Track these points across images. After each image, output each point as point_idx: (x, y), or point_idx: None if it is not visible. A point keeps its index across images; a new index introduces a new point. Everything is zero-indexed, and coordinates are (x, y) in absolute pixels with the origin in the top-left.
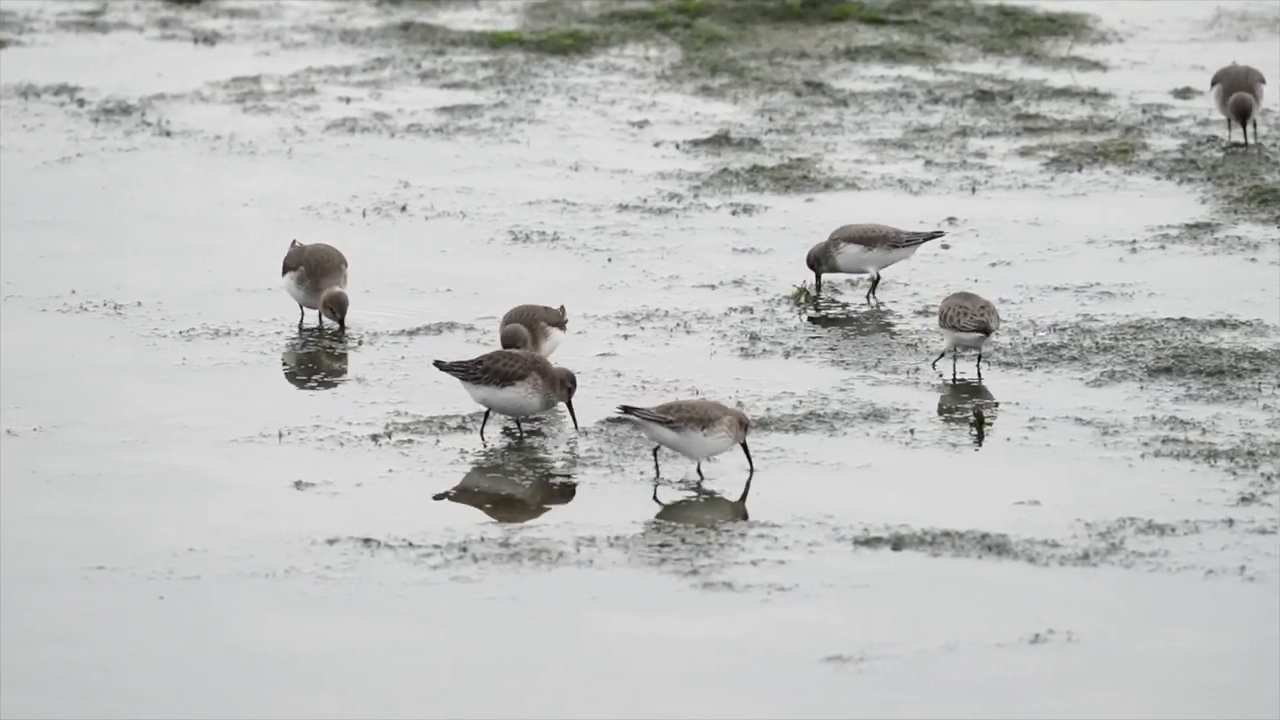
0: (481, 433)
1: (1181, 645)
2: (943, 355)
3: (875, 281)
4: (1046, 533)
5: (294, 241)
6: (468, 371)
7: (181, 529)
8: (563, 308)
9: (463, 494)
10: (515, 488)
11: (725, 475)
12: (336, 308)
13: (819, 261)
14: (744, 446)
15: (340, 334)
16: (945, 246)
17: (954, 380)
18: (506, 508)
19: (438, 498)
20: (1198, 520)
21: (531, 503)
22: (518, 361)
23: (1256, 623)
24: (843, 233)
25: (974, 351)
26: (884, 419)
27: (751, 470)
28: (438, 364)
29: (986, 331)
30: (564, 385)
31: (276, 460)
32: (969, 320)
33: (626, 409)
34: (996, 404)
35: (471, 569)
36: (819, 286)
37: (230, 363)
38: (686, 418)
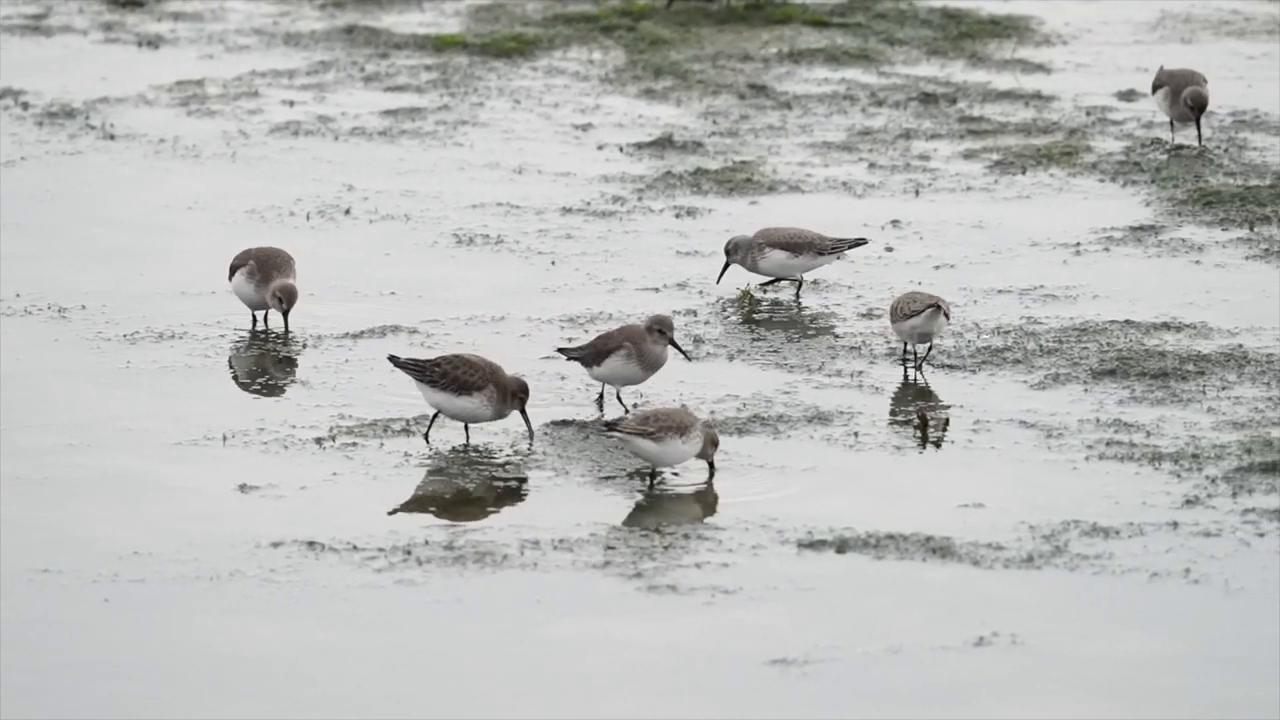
0: (427, 435)
1: (1126, 648)
2: (909, 356)
3: (800, 284)
4: (991, 535)
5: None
6: (424, 372)
7: (126, 532)
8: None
9: (407, 497)
10: (460, 490)
11: (670, 478)
12: (285, 297)
13: (736, 251)
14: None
15: (285, 331)
16: (889, 249)
17: (911, 377)
18: (451, 510)
19: (393, 511)
20: (1142, 523)
21: (476, 505)
22: (477, 371)
23: (1201, 625)
24: (768, 236)
25: (928, 341)
26: (828, 422)
27: (712, 474)
28: (392, 359)
29: (938, 307)
30: (517, 396)
31: (221, 463)
32: (919, 304)
33: (609, 425)
34: (941, 407)
35: (416, 572)
36: (721, 276)
37: (175, 366)
38: (665, 426)
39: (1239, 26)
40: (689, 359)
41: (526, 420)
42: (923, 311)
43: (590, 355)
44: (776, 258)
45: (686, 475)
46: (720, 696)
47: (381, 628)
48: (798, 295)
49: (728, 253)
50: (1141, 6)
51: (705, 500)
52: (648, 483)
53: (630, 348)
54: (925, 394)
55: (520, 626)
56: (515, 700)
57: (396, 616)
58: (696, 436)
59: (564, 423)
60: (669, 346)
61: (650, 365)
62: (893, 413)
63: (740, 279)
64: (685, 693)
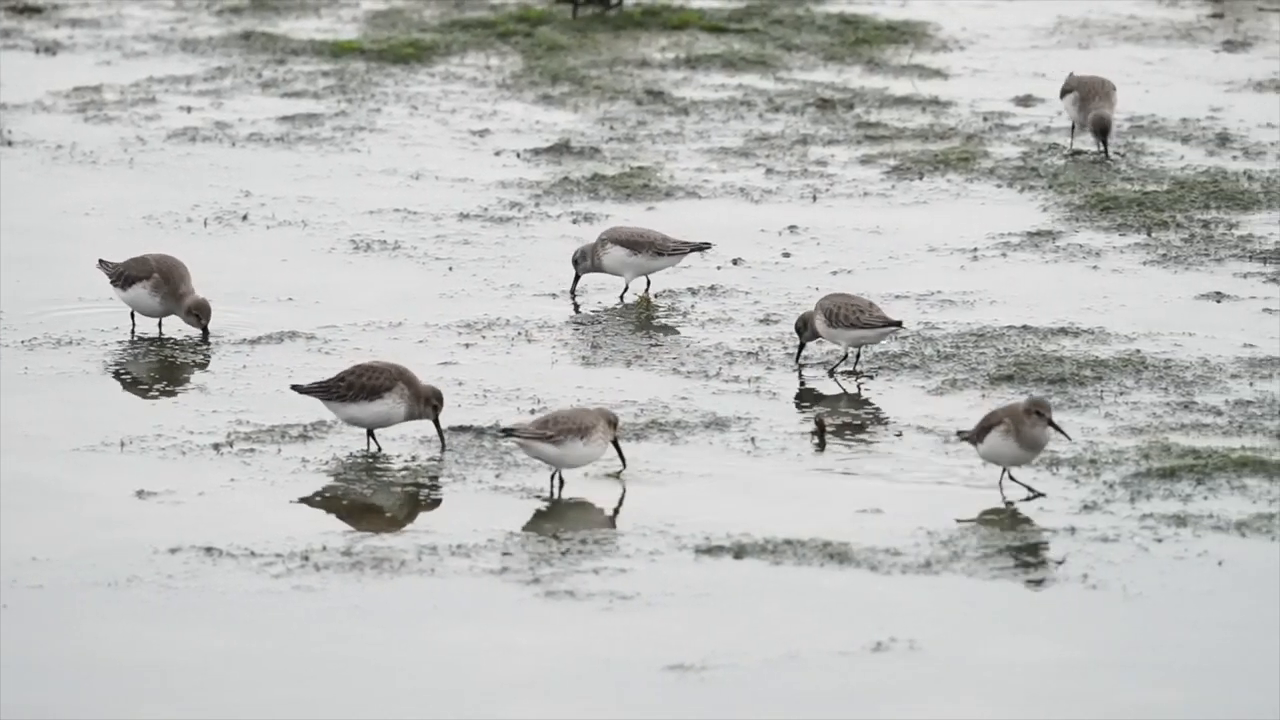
0: (374, 444)
1: (1024, 652)
2: (844, 359)
3: (626, 289)
4: (889, 540)
5: (101, 261)
6: (330, 391)
7: (24, 538)
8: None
9: (305, 503)
10: (358, 497)
11: (569, 484)
12: (204, 314)
13: (584, 258)
14: (615, 444)
15: (205, 340)
16: (786, 255)
17: (806, 381)
18: (349, 516)
19: (291, 517)
20: (1040, 528)
21: (374, 512)
22: (381, 373)
23: (1098, 630)
24: (611, 234)
25: (862, 350)
26: (725, 427)
27: (624, 466)
28: (296, 388)
29: (899, 324)
30: (429, 402)
31: (119, 469)
32: (874, 316)
33: (506, 430)
34: (838, 412)
35: (314, 578)
36: (574, 287)
37: (72, 372)
38: (565, 429)
39: (1136, 31)
40: (1069, 439)
41: (439, 429)
42: (880, 327)
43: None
44: (616, 254)
45: (584, 482)
46: (618, 702)
47: (279, 634)
48: (623, 296)
49: (575, 262)
50: (1039, 11)
51: (603, 506)
52: (554, 487)
53: (1009, 424)
54: (823, 399)
55: (417, 632)
56: (412, 705)
57: (294, 622)
58: (599, 438)
59: (462, 429)
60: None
61: (1030, 445)
62: (790, 418)
63: (638, 283)
64: (583, 698)
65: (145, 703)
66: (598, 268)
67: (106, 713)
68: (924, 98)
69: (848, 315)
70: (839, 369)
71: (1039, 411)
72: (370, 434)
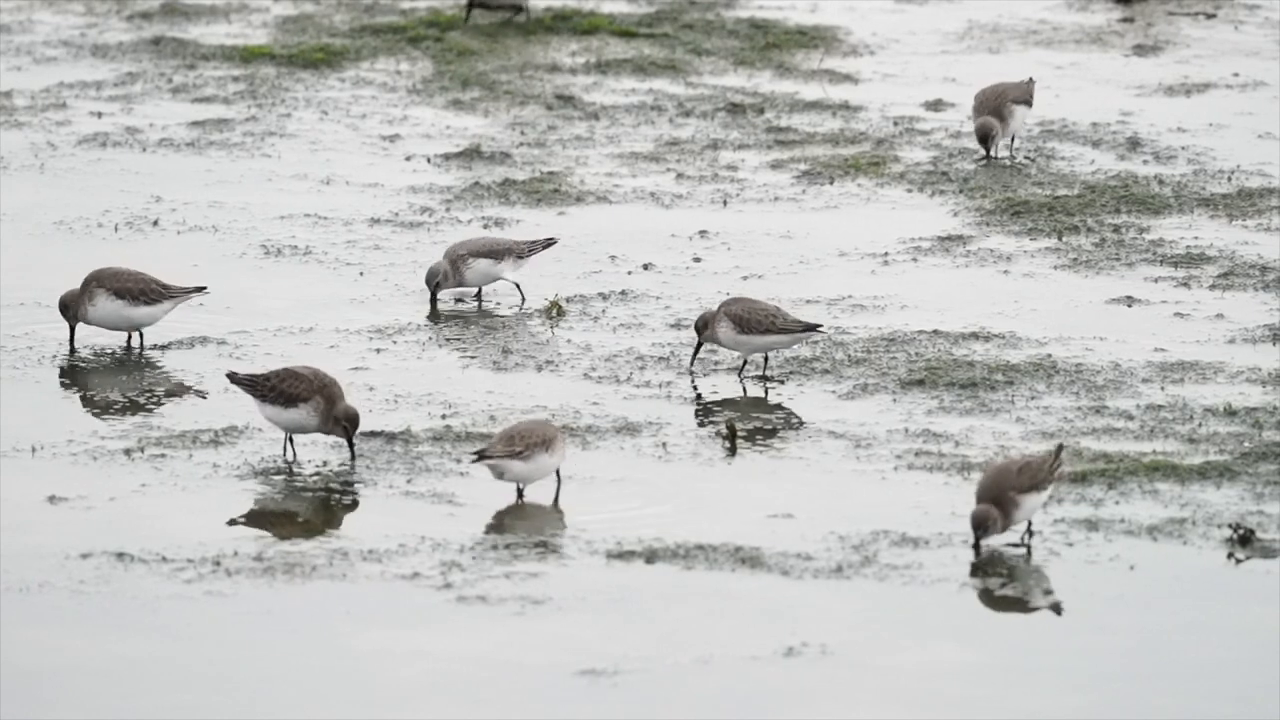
0: (289, 450)
1: (935, 657)
2: (745, 364)
3: (480, 295)
4: (800, 545)
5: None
6: (255, 388)
7: None
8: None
9: (216, 508)
10: (269, 502)
11: (479, 489)
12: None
13: (445, 278)
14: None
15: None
16: (697, 259)
17: (711, 387)
18: (260, 521)
19: (202, 522)
20: (951, 533)
21: (285, 517)
22: (303, 382)
23: (1010, 635)
24: (468, 247)
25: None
26: (637, 432)
27: (559, 483)
28: (230, 376)
29: (816, 327)
30: (340, 423)
31: (29, 474)
32: (792, 322)
33: (480, 454)
34: (749, 417)
35: (225, 583)
36: (433, 309)
37: None
38: (531, 444)
39: (1047, 36)
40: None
41: (350, 448)
42: (796, 332)
43: None
44: (481, 266)
45: (496, 487)
46: (529, 706)
47: (190, 638)
48: (479, 298)
49: (431, 283)
50: (949, 16)
51: (514, 511)
52: (517, 498)
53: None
54: (733, 404)
55: (329, 637)
56: (324, 709)
57: (205, 627)
58: (560, 446)
59: (372, 434)
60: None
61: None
62: (701, 423)
63: (547, 288)
64: (494, 702)
65: (56, 708)
66: (460, 283)
67: (14, 718)
68: (834, 102)
69: (760, 321)
70: (744, 372)
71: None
72: (289, 438)
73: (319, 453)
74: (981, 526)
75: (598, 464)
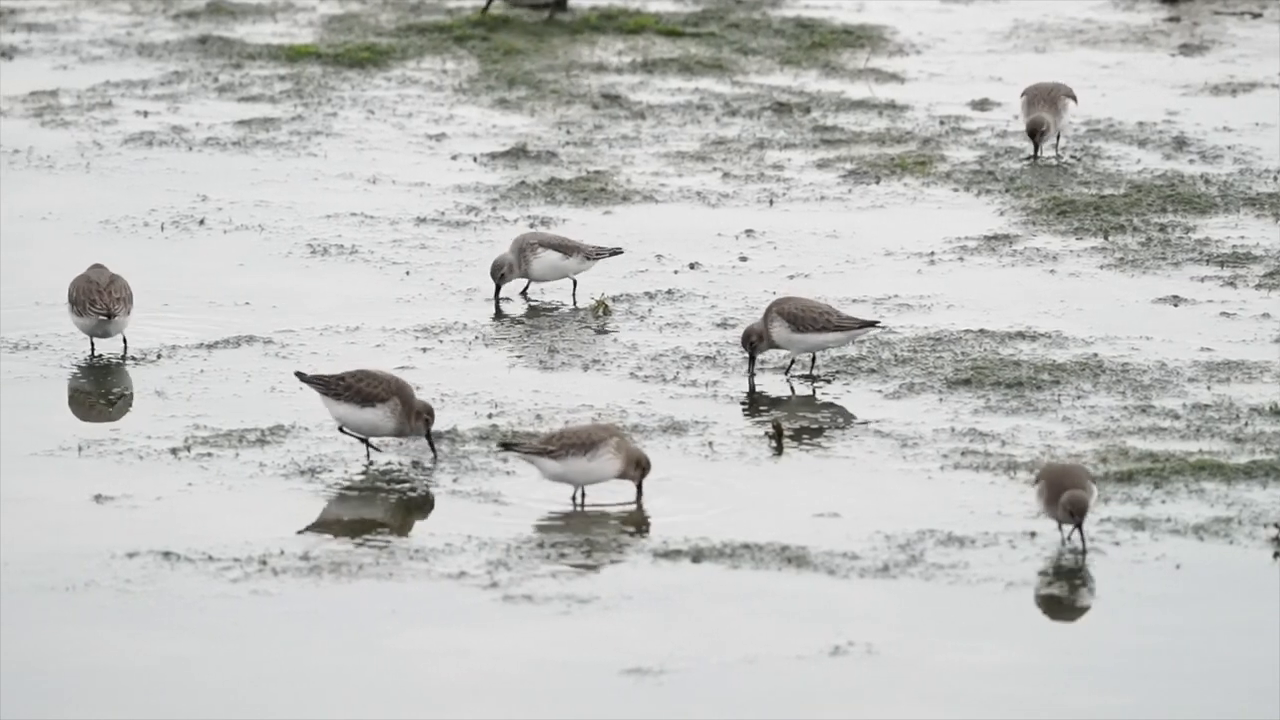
0: (367, 452)
1: (981, 657)
2: (793, 364)
3: (526, 293)
4: (846, 545)
5: (301, 374)
6: (328, 386)
7: None
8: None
9: (262, 507)
10: (316, 501)
11: (525, 488)
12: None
13: (510, 269)
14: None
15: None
16: (743, 259)
17: (800, 387)
18: (306, 521)
19: (249, 521)
20: (997, 532)
21: (332, 516)
22: (380, 384)
23: (1056, 635)
24: (537, 238)
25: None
26: (683, 431)
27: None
28: (299, 375)
29: (874, 324)
30: (421, 416)
31: (76, 474)
32: (847, 319)
33: (506, 445)
34: (795, 416)
35: (271, 582)
36: (496, 298)
37: (29, 376)
38: (568, 445)
39: (1092, 35)
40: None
41: (431, 443)
42: (852, 329)
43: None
44: (550, 258)
45: (542, 486)
46: (575, 706)
47: (236, 638)
48: (525, 296)
49: (497, 274)
50: (995, 16)
51: (561, 511)
52: (579, 501)
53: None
54: (780, 404)
55: (374, 637)
56: (368, 709)
57: (251, 627)
58: (608, 453)
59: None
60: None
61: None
62: (747, 423)
63: (594, 287)
64: (540, 702)
65: (101, 707)
66: (525, 274)
67: (61, 718)
68: (880, 102)
69: (815, 319)
70: (791, 371)
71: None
72: (363, 441)
73: (366, 452)
74: None
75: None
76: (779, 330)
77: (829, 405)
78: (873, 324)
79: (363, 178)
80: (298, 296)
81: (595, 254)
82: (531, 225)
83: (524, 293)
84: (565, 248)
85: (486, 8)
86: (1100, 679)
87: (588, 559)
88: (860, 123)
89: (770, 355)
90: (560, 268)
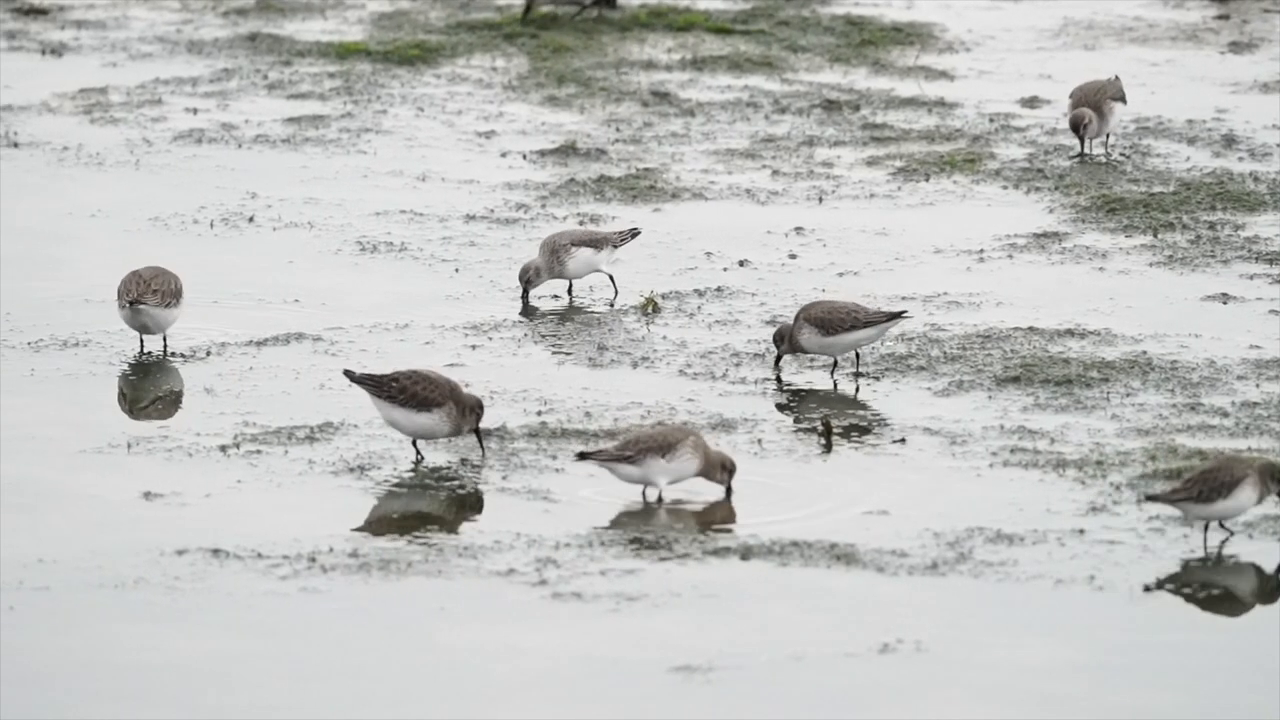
0: (416, 452)
1: (1030, 654)
2: (837, 364)
3: (571, 290)
4: (895, 542)
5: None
6: (381, 388)
7: (30, 540)
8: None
9: (311, 504)
10: (364, 498)
11: (574, 485)
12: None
13: (538, 273)
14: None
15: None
16: (792, 256)
17: (854, 384)
18: (355, 518)
19: (297, 519)
20: (1046, 530)
21: (381, 513)
22: (436, 387)
23: (1105, 632)
24: (567, 237)
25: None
26: (732, 429)
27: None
28: (348, 374)
29: (900, 314)
30: (473, 412)
31: (125, 471)
32: (875, 313)
33: (582, 454)
34: (844, 413)
35: (320, 579)
36: (525, 303)
37: (79, 373)
38: (645, 449)
39: (1142, 33)
40: None
41: (480, 439)
42: (880, 323)
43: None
44: (584, 254)
45: (590, 484)
46: (624, 703)
47: (285, 635)
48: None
49: (524, 280)
50: (1044, 13)
51: (609, 508)
52: (656, 502)
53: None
54: (829, 401)
55: (423, 634)
56: (418, 707)
57: (300, 624)
58: (686, 453)
59: (469, 431)
60: None
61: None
62: (796, 420)
63: (643, 285)
64: (589, 699)
65: (150, 704)
66: (560, 274)
67: (111, 714)
68: (930, 99)
69: (842, 320)
70: (837, 369)
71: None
72: (410, 441)
73: (410, 450)
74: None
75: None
76: (809, 337)
77: (878, 403)
78: (899, 315)
79: (412, 175)
80: (347, 294)
81: (619, 240)
82: (581, 223)
83: (569, 291)
84: (595, 241)
85: (528, 10)
86: (1149, 677)
87: (636, 556)
88: (909, 120)
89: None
90: (593, 262)
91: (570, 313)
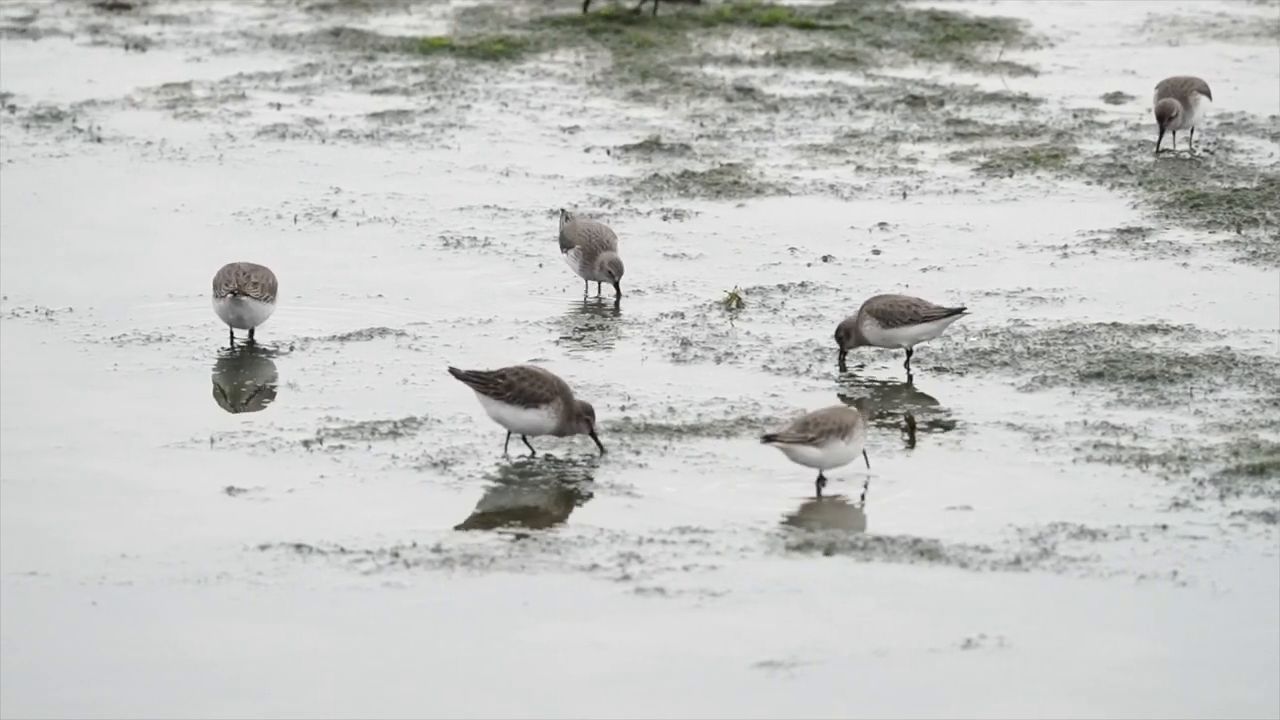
0: (505, 449)
1: (1113, 650)
2: (911, 356)
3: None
4: (978, 538)
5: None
6: (488, 385)
7: (113, 534)
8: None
9: (395, 499)
10: (447, 493)
11: (658, 480)
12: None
13: (588, 262)
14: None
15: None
16: (876, 252)
17: (903, 379)
18: (438, 513)
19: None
20: (1129, 525)
21: (464, 508)
22: (544, 384)
23: (1188, 628)
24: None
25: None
26: None
27: (868, 467)
28: (452, 371)
29: (961, 311)
30: (583, 418)
31: (208, 466)
32: (935, 308)
33: (768, 437)
34: (928, 409)
35: (403, 575)
36: (617, 301)
37: (162, 368)
38: (826, 431)
39: (1226, 29)
40: None
41: (596, 439)
42: (940, 318)
43: None
44: (912, 330)
45: (672, 479)
46: (707, 699)
47: (368, 630)
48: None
49: (612, 275)
50: (1128, 9)
51: (692, 503)
52: (816, 488)
53: None
54: (912, 396)
55: (507, 629)
56: (500, 703)
57: (383, 619)
58: (859, 434)
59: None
60: None
61: None
62: (880, 415)
63: (726, 280)
64: (672, 696)
65: (233, 699)
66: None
67: (195, 710)
68: (1014, 95)
69: (903, 313)
70: (909, 361)
71: None
72: (520, 437)
73: (499, 443)
74: None
75: (777, 456)
76: (870, 328)
77: (961, 398)
78: (960, 311)
79: (496, 170)
80: (430, 288)
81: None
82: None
83: (616, 303)
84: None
85: (587, 6)
86: (1233, 672)
87: (720, 552)
88: (993, 116)
89: (901, 350)
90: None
91: (655, 307)
